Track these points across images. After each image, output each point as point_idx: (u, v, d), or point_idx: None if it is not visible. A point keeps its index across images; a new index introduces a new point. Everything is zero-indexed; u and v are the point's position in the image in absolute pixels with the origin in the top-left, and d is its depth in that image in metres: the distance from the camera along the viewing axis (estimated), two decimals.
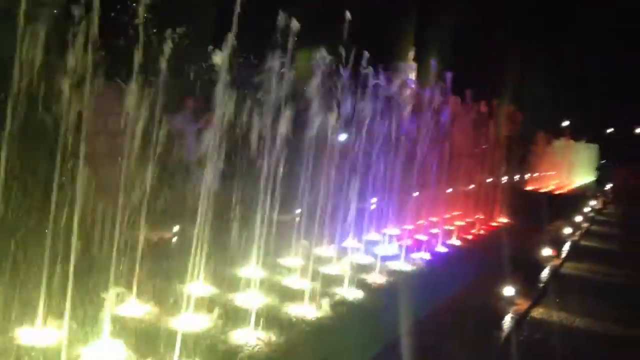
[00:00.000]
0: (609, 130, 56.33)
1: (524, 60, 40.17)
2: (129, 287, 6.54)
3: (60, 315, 5.37)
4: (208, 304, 6.95)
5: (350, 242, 10.86)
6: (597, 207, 25.75)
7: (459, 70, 15.08)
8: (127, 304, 6.58)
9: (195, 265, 6.61)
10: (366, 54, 11.01)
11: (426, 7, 26.90)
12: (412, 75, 26.36)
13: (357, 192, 10.69)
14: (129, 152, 10.11)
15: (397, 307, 8.04)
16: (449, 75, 14.58)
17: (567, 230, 15.99)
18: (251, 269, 8.01)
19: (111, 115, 11.31)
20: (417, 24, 27.64)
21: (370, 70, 11.11)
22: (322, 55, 9.78)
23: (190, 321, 6.32)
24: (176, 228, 10.01)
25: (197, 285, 6.91)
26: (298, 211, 13.36)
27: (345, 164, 11.08)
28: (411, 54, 27.37)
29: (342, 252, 9.75)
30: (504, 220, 17.51)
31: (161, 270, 7.53)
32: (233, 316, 6.76)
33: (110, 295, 5.68)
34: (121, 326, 5.84)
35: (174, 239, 9.86)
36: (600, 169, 36.10)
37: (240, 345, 6.15)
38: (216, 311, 6.69)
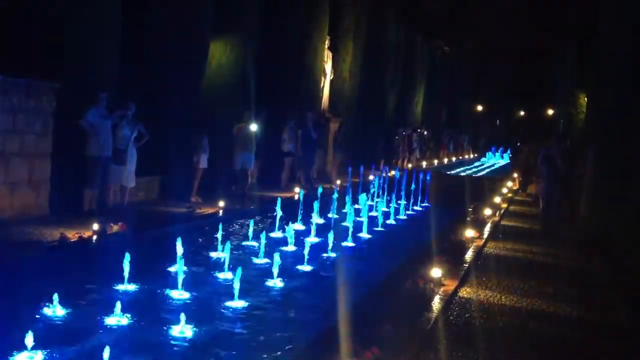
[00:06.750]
0: (522, 113, 58.30)
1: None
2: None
3: None
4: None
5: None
6: (513, 187, 26.49)
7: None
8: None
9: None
10: None
11: None
12: None
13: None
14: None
15: (327, 295, 8.01)
16: None
17: (488, 212, 16.31)
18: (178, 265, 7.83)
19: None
20: None
21: None
22: None
23: None
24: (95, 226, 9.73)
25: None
26: (221, 204, 13.18)
27: None
28: None
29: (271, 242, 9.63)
30: (427, 204, 17.77)
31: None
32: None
33: None
34: None
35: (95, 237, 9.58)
36: (513, 150, 37.14)
37: None
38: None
